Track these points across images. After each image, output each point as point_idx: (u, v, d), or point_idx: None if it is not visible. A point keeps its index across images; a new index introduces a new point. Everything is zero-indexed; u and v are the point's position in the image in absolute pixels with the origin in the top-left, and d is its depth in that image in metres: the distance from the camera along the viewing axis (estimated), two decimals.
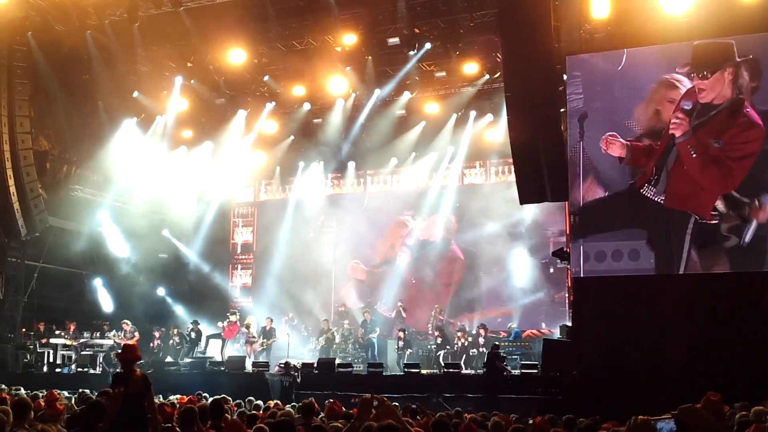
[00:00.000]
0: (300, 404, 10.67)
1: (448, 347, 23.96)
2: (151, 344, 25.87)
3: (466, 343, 23.67)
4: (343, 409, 11.10)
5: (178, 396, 14.88)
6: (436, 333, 24.37)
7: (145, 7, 23.31)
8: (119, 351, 10.90)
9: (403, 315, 26.80)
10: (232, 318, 26.15)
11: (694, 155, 17.46)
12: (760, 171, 16.82)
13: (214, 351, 25.68)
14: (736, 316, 15.82)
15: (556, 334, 22.58)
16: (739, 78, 17.17)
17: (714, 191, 17.21)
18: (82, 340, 25.25)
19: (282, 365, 21.44)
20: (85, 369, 23.71)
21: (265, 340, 25.21)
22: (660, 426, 5.58)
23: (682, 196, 17.45)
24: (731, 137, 17.17)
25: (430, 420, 9.65)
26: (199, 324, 25.99)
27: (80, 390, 15.61)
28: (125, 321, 25.76)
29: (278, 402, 14.29)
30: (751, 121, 17.04)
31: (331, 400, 12.11)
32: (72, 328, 25.85)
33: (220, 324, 26.40)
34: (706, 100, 17.43)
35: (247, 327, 25.83)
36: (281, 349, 24.79)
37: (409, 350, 23.89)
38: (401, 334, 24.03)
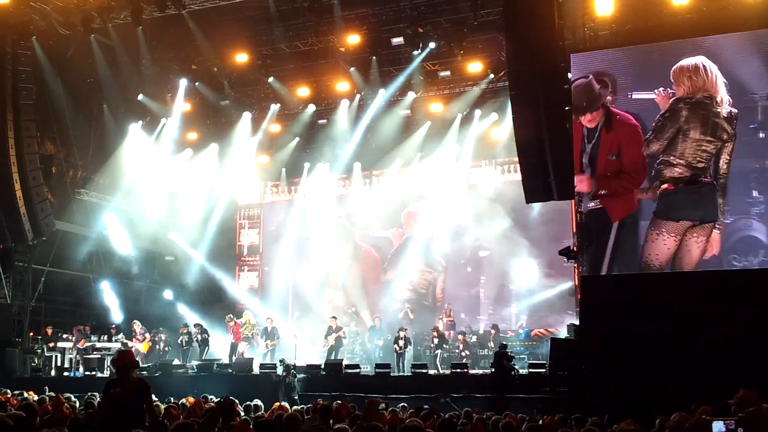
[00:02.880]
0: (321, 407, 10.60)
1: (445, 346, 23.91)
2: (157, 347, 25.81)
3: (467, 345, 23.72)
4: (356, 410, 11.07)
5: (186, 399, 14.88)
6: (434, 333, 24.18)
7: (149, 10, 23.35)
8: (115, 358, 10.78)
9: (410, 316, 26.73)
10: (231, 322, 25.87)
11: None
12: None
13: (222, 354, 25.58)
14: (746, 314, 15.72)
15: (563, 332, 22.55)
16: None
17: None
18: (88, 344, 25.21)
19: (281, 362, 21.48)
20: (93, 372, 23.75)
21: (268, 342, 25.02)
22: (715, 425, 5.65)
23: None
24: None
25: (436, 421, 9.63)
26: (202, 327, 25.85)
27: (88, 393, 15.62)
28: (135, 321, 25.82)
29: (284, 404, 14.29)
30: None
31: (339, 402, 12.08)
32: (81, 329, 25.77)
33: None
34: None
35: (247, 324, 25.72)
36: (288, 350, 24.71)
37: (409, 347, 23.78)
38: (402, 333, 23.90)
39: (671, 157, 17.75)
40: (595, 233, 18.54)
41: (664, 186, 17.78)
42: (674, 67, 17.90)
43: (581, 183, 18.54)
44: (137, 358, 22.97)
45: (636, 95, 18.23)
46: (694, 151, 17.57)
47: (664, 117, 17.91)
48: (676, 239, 17.60)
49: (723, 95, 17.49)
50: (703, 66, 17.71)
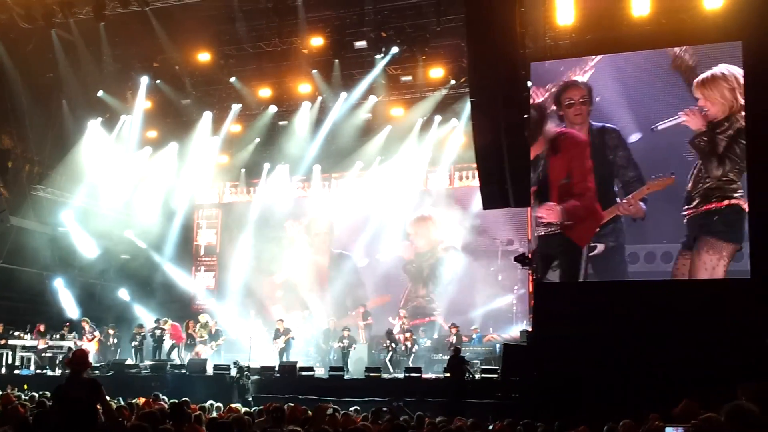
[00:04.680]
0: (272, 408, 10.62)
1: (396, 347, 24.09)
2: (109, 342, 25.70)
3: (411, 345, 23.80)
4: (308, 412, 11.09)
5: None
6: (387, 337, 24.30)
7: (112, 6, 23.27)
8: (68, 357, 10.68)
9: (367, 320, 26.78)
10: (165, 325, 25.68)
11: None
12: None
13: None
14: (695, 322, 15.98)
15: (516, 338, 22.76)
16: None
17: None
18: (39, 341, 24.97)
19: (234, 364, 21.46)
20: (44, 371, 23.55)
21: (213, 343, 25.19)
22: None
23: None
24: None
25: (389, 425, 9.68)
26: (160, 321, 25.69)
27: (40, 392, 15.52)
28: (84, 319, 25.64)
29: (235, 405, 14.29)
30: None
31: (291, 405, 12.11)
32: (41, 328, 25.59)
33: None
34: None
35: (205, 327, 25.68)
36: (243, 352, 24.66)
37: (354, 346, 23.95)
38: (346, 333, 24.10)
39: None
40: (562, 258, 18.58)
41: (725, 202, 17.12)
42: (696, 81, 17.69)
43: (550, 213, 18.60)
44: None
45: (662, 126, 17.80)
46: None
47: (719, 135, 17.28)
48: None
49: None
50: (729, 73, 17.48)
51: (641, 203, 17.64)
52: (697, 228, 17.23)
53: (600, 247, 17.82)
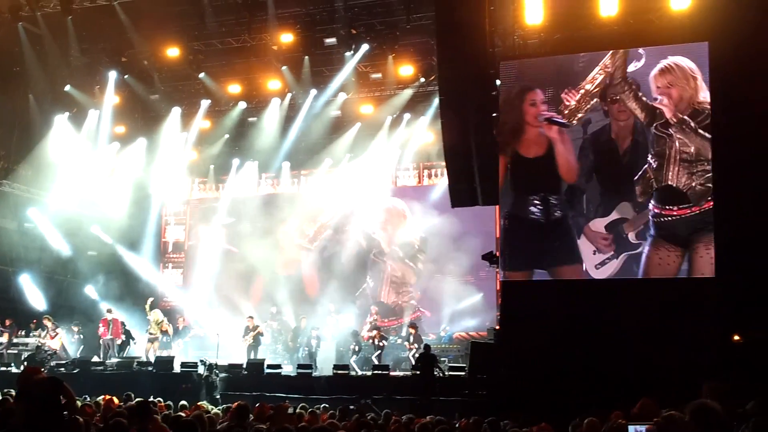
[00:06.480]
0: (235, 406, 10.58)
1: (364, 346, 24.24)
2: (73, 338, 25.53)
3: (382, 344, 23.83)
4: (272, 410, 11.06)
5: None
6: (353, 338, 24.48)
7: (80, 0, 23.03)
8: (20, 376, 10.52)
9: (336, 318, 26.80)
10: (109, 315, 25.40)
11: None
12: None
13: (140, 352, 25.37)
14: (661, 321, 16.13)
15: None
16: None
17: None
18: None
19: (202, 362, 21.39)
20: (8, 368, 23.33)
21: (180, 340, 25.39)
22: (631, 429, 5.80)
23: None
24: None
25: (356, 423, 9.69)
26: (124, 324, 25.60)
27: (4, 390, 15.42)
28: (46, 316, 25.38)
29: (202, 403, 14.24)
30: None
31: (260, 404, 12.09)
32: (8, 322, 25.41)
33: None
34: None
35: (157, 323, 25.55)
36: (211, 348, 24.57)
37: (318, 348, 24.10)
38: (314, 332, 24.19)
39: None
40: None
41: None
42: (654, 73, 17.83)
43: None
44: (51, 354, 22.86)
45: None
46: None
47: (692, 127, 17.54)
48: None
49: None
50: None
51: None
52: (701, 224, 17.21)
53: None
